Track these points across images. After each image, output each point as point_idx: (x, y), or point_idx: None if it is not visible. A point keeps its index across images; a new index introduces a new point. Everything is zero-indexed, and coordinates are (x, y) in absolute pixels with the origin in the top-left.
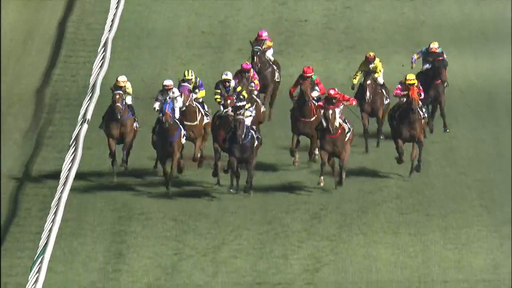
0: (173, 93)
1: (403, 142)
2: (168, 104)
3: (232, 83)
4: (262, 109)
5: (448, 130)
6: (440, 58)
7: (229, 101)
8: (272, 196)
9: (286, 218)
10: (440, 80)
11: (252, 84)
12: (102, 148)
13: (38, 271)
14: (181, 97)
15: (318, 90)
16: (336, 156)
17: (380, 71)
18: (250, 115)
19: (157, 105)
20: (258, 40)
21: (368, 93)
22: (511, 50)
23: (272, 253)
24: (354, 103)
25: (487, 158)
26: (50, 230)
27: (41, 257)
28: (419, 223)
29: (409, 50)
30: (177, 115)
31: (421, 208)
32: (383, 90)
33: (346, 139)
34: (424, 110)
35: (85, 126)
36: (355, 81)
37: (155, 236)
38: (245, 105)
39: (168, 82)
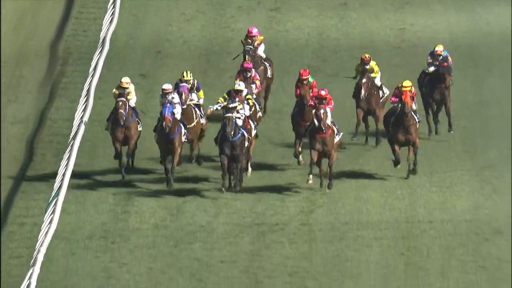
0: (172, 98)
1: (399, 146)
2: (167, 108)
3: (244, 93)
4: (259, 114)
5: (452, 131)
6: (445, 64)
7: (227, 120)
8: (271, 146)
9: (283, 165)
10: (444, 85)
11: (253, 85)
12: (112, 99)
13: (53, 212)
14: (182, 96)
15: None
16: (325, 155)
17: (377, 73)
18: (240, 118)
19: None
20: (249, 37)
21: (363, 91)
22: (490, 5)
23: (270, 196)
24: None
25: (469, 107)
26: (64, 175)
27: (55, 199)
28: (407, 168)
29: (399, 5)
30: (178, 116)
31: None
32: (380, 92)
33: (335, 140)
34: (418, 114)
35: (96, 77)
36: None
37: (161, 180)
38: (236, 106)
39: (167, 86)
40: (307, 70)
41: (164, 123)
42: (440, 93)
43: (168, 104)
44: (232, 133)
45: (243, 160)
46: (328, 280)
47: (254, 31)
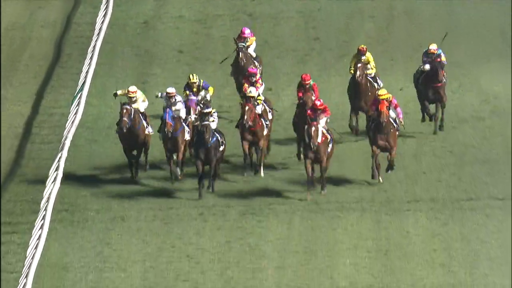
0: (175, 100)
1: (379, 150)
2: (167, 113)
3: (255, 94)
4: (270, 115)
5: (443, 130)
6: (438, 59)
7: (247, 108)
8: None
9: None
10: (440, 83)
11: (254, 88)
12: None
13: (78, 105)
14: (190, 110)
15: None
16: (318, 162)
17: (373, 67)
18: (214, 120)
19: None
20: (241, 37)
21: (358, 72)
22: None
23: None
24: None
25: None
26: (87, 72)
27: (80, 93)
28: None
29: None
30: (182, 115)
31: (387, 53)
32: (375, 84)
33: (329, 150)
34: (397, 121)
35: None
36: (352, 71)
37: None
38: (211, 111)
39: (171, 90)
40: (308, 75)
41: (166, 128)
42: (434, 91)
43: (168, 109)
44: (209, 142)
45: (216, 163)
46: None
47: (247, 31)
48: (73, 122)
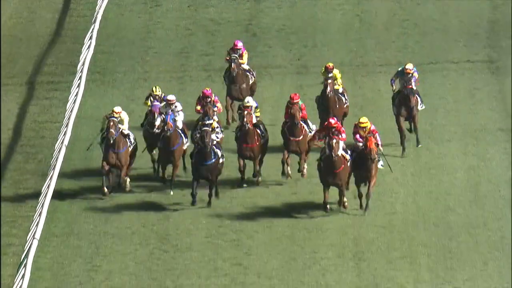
0: (175, 106)
1: (360, 183)
2: (169, 116)
3: (254, 105)
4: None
5: (420, 145)
6: (409, 86)
7: (246, 112)
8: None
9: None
10: (415, 102)
11: (215, 108)
12: None
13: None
14: (155, 115)
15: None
16: (337, 186)
17: (340, 84)
18: (219, 132)
19: (158, 121)
20: (234, 50)
21: (328, 88)
22: None
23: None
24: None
25: None
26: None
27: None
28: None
29: None
30: (180, 125)
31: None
32: (343, 98)
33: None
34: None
35: None
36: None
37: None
38: (211, 123)
39: (171, 97)
40: (297, 94)
41: (166, 127)
42: (408, 111)
43: (170, 112)
44: (209, 146)
45: (215, 180)
46: None
47: (239, 44)
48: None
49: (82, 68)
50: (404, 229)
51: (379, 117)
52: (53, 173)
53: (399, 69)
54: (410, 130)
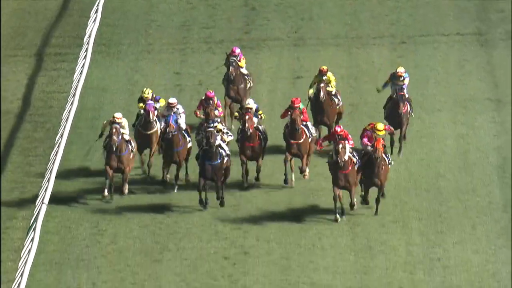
0: (177, 109)
1: (369, 187)
2: (171, 117)
3: (254, 107)
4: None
5: (402, 156)
6: (401, 93)
7: (247, 117)
8: None
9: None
10: (405, 110)
11: (216, 111)
12: None
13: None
14: (149, 114)
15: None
16: (347, 189)
17: (334, 86)
18: (226, 140)
19: (162, 123)
20: (232, 56)
21: (322, 93)
22: None
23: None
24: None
25: None
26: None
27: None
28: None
29: None
30: (183, 125)
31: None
32: (335, 100)
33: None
34: (389, 156)
35: None
36: (311, 92)
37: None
38: (217, 125)
39: (172, 100)
40: (298, 98)
41: (168, 128)
42: (400, 116)
43: (173, 114)
44: (214, 146)
45: (222, 179)
46: None
47: (237, 51)
48: None
49: (89, 41)
50: (397, 195)
51: (374, 87)
52: (61, 140)
53: (392, 72)
54: (392, 143)
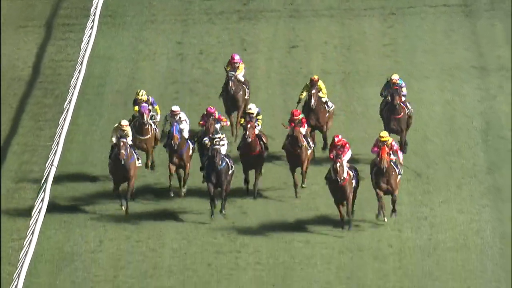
0: (180, 117)
1: (383, 193)
2: (174, 127)
3: (256, 111)
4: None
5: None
6: (396, 87)
7: (249, 125)
8: None
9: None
10: (402, 114)
11: (218, 124)
12: None
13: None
14: (144, 116)
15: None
16: (344, 200)
17: (325, 93)
18: (224, 145)
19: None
20: (231, 63)
21: (313, 100)
22: None
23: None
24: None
25: None
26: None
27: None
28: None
29: None
30: (186, 134)
31: None
32: (326, 106)
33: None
34: (399, 166)
35: None
36: (302, 97)
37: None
38: (220, 137)
39: (175, 108)
40: (298, 110)
41: (172, 141)
42: (398, 122)
43: (176, 124)
44: (219, 162)
45: (226, 186)
46: None
47: (236, 57)
48: None
49: (95, 12)
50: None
51: (365, 56)
52: (69, 106)
53: (387, 80)
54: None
